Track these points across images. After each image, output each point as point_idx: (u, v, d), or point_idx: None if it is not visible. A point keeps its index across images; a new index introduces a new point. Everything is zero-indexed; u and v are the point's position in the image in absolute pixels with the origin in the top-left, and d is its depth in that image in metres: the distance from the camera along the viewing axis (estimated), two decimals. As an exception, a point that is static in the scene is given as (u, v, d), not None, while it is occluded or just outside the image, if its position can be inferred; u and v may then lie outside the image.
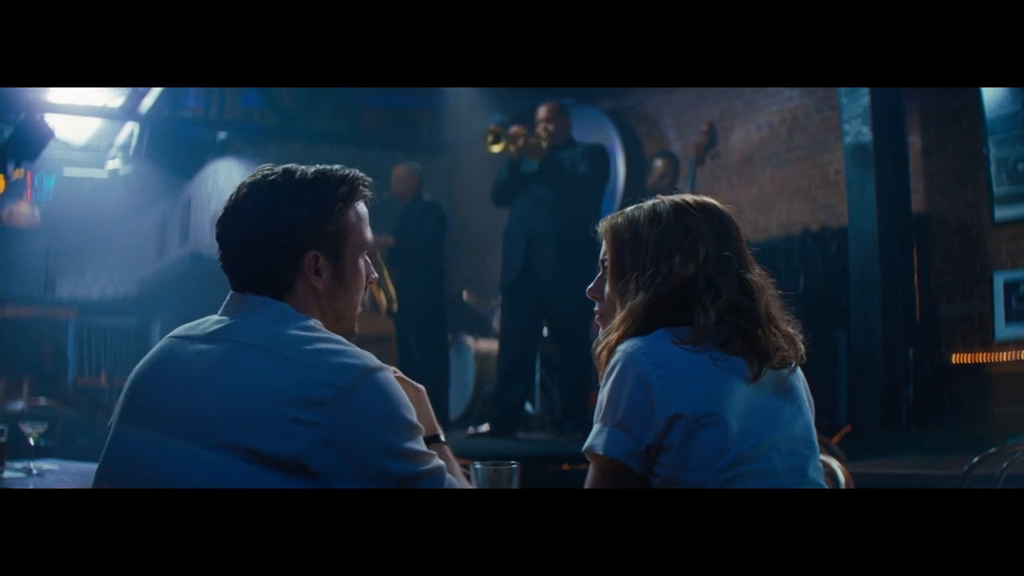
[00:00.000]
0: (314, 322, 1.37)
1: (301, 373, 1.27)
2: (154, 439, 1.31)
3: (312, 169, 1.45)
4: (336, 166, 1.48)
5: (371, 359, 1.32)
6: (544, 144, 5.11)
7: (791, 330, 1.57)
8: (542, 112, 5.31)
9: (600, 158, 5.20)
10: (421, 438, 1.33)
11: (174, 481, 1.26)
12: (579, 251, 5.04)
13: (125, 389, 1.41)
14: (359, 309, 1.50)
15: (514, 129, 5.18)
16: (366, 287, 1.51)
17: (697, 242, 1.54)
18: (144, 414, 1.36)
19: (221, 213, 1.45)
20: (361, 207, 1.48)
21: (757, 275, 1.57)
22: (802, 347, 1.57)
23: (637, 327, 1.51)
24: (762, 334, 1.50)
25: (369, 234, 1.49)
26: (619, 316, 1.55)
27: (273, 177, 1.43)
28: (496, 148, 5.23)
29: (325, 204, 1.42)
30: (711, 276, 1.52)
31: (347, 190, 1.45)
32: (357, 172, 1.48)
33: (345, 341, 1.35)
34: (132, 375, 1.42)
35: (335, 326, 1.44)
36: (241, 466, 1.23)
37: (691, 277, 1.52)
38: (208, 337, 1.36)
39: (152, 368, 1.40)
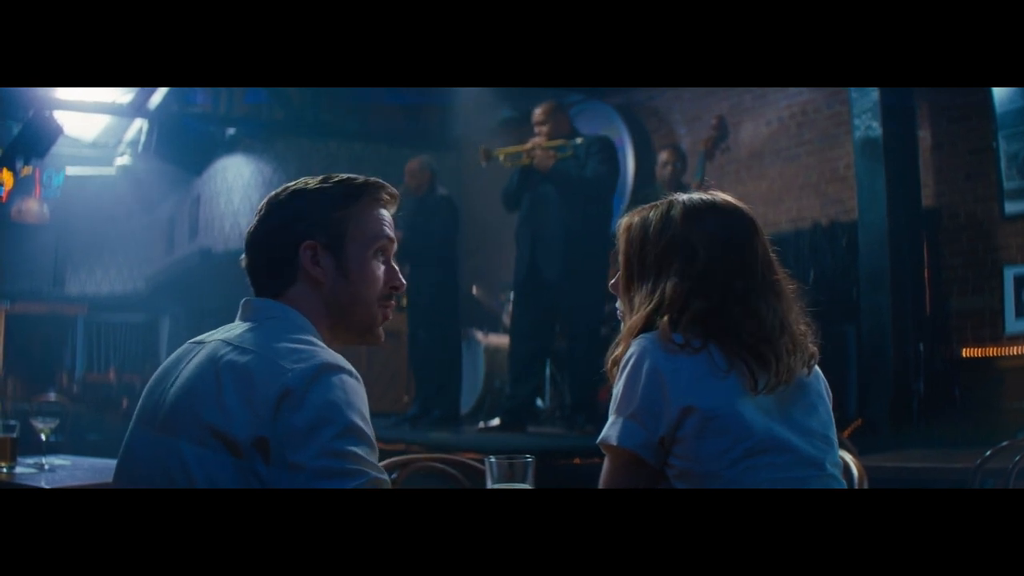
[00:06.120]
0: (307, 336, 1.38)
1: (261, 366, 1.29)
2: (144, 433, 1.37)
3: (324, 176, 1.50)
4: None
5: (334, 357, 1.32)
6: (550, 160, 5.14)
7: (802, 331, 1.56)
8: (537, 115, 5.38)
9: (607, 153, 5.21)
10: (366, 445, 1.29)
11: (151, 467, 1.32)
12: (588, 248, 5.05)
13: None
14: (379, 316, 1.50)
15: (530, 142, 5.25)
16: (389, 294, 1.50)
17: (702, 254, 1.54)
18: (144, 412, 1.41)
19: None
20: (370, 207, 1.50)
21: (774, 281, 1.57)
22: (813, 348, 1.57)
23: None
24: (765, 350, 1.50)
25: (377, 232, 1.49)
26: (623, 332, 1.57)
27: (290, 183, 1.49)
28: (484, 163, 5.50)
29: (323, 196, 1.46)
30: (712, 293, 1.52)
31: (352, 189, 1.48)
32: (371, 178, 1.52)
33: (317, 343, 1.36)
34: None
35: (347, 329, 1.47)
36: (203, 451, 1.26)
37: (691, 293, 1.52)
38: (203, 340, 1.41)
39: (159, 371, 1.45)
